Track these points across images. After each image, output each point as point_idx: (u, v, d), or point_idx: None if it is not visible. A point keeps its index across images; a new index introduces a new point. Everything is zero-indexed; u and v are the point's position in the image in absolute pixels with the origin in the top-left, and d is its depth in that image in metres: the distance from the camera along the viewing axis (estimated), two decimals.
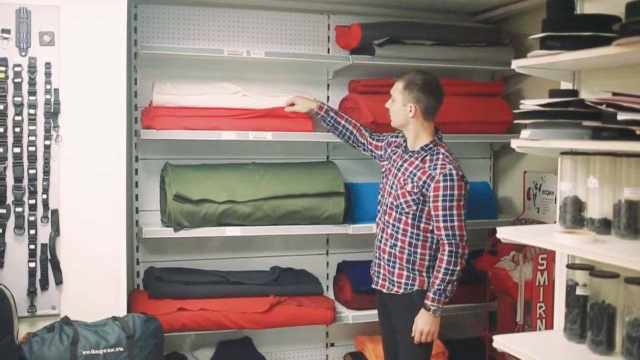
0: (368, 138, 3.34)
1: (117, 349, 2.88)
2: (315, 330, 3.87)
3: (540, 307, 3.25)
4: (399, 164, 3.05)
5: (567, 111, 2.10)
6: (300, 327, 3.57)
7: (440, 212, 2.88)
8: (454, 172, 2.88)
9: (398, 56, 3.59)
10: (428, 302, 2.89)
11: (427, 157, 2.96)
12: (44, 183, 3.04)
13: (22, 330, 3.01)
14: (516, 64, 2.37)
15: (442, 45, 3.68)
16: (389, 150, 3.18)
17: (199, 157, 3.61)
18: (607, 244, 2.01)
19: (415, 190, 2.93)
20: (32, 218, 3.04)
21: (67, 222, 3.09)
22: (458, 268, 2.87)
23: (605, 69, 2.34)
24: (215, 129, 3.33)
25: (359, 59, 3.58)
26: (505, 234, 2.34)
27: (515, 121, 2.34)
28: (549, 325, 3.10)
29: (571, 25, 2.11)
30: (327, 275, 3.94)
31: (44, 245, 3.06)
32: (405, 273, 2.99)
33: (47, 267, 3.06)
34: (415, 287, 2.97)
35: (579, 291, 2.20)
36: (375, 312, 3.27)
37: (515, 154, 3.06)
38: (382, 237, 3.09)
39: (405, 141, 3.09)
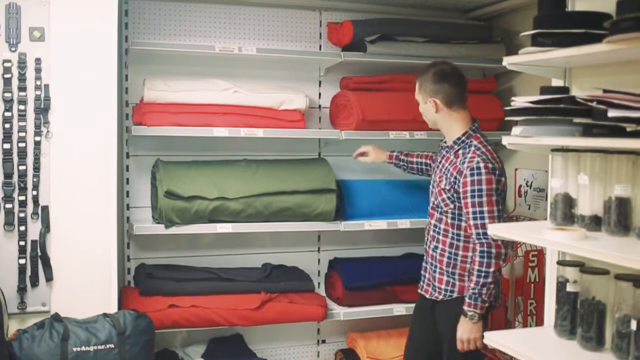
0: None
1: (108, 346, 2.87)
2: (306, 327, 3.87)
3: (531, 303, 3.26)
4: (439, 161, 2.95)
5: (558, 108, 2.10)
6: (292, 324, 3.56)
7: (470, 209, 2.70)
8: (481, 164, 2.69)
9: (390, 53, 3.59)
10: (465, 308, 2.71)
11: (460, 151, 2.81)
12: (34, 179, 3.03)
13: (12, 327, 2.99)
14: (507, 61, 2.37)
15: (433, 42, 3.69)
16: (438, 152, 3.06)
17: (190, 153, 3.60)
18: (597, 241, 2.01)
19: (448, 187, 2.80)
20: (22, 214, 3.02)
21: (58, 218, 3.08)
22: (492, 269, 2.66)
23: (596, 66, 2.34)
24: (206, 125, 3.32)
25: (351, 56, 3.58)
26: (496, 230, 2.34)
27: (507, 118, 2.33)
28: (540, 322, 3.12)
29: (562, 23, 2.11)
30: (319, 272, 3.93)
31: (34, 242, 3.04)
32: (445, 278, 2.85)
33: (37, 263, 3.04)
34: (455, 294, 2.83)
35: (570, 288, 2.21)
36: (366, 308, 3.26)
37: (506, 151, 3.05)
38: (427, 239, 2.99)
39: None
